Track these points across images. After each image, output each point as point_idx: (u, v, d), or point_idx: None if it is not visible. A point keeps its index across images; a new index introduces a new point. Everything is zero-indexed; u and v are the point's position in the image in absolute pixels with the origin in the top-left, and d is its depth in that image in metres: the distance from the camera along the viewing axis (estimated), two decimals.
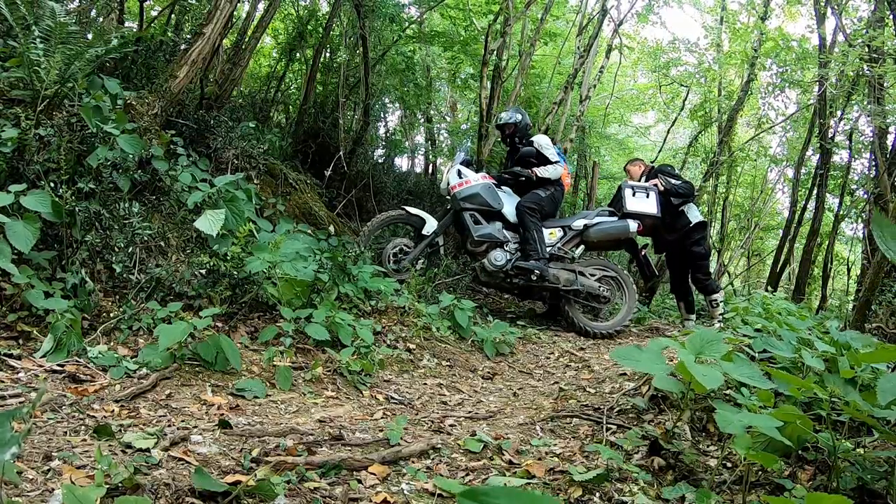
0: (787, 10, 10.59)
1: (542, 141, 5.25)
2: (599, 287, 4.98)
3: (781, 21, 10.95)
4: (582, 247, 5.19)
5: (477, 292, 6.00)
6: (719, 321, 5.28)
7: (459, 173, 5.18)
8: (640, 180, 5.53)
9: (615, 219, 5.16)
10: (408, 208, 5.15)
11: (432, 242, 5.00)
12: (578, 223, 5.14)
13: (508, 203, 5.14)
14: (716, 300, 5.42)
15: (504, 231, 5.04)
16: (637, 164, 5.81)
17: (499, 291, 5.86)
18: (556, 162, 5.17)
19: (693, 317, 5.61)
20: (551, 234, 5.09)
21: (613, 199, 5.46)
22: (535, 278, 4.86)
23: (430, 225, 5.00)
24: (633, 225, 5.09)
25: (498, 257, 4.90)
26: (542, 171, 5.15)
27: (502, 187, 5.24)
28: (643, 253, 5.27)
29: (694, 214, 5.39)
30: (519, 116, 5.36)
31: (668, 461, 1.83)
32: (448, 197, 5.17)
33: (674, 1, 10.52)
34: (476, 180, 5.13)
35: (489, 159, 7.17)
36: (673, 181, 5.38)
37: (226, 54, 6.12)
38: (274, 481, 1.56)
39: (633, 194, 5.21)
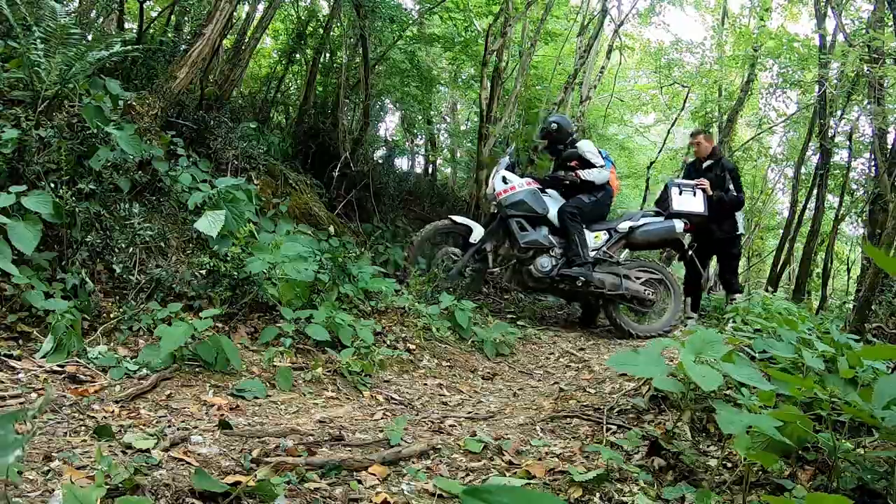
0: (788, 9, 10.60)
1: (585, 146, 5.25)
2: (645, 290, 4.96)
3: (783, 20, 10.96)
4: (626, 250, 5.18)
5: (477, 293, 6.00)
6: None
7: (504, 179, 5.19)
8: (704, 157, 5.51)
9: (661, 219, 5.12)
10: (454, 218, 5.26)
11: (479, 250, 5.07)
12: (624, 225, 5.12)
13: (554, 207, 5.14)
14: (736, 300, 5.38)
15: (550, 236, 5.06)
16: (708, 139, 5.68)
17: (547, 294, 5.94)
18: (601, 166, 5.15)
19: (696, 315, 5.55)
20: (596, 238, 5.09)
21: (660, 198, 5.43)
22: (580, 284, 4.88)
23: (477, 233, 5.09)
24: (679, 225, 5.05)
25: (544, 263, 4.93)
26: (586, 174, 5.13)
27: (548, 191, 5.24)
28: (690, 252, 5.24)
29: (741, 223, 5.52)
30: (554, 125, 5.38)
31: (668, 461, 1.83)
32: (494, 203, 5.22)
33: (676, 2, 10.54)
34: (521, 186, 5.15)
35: (490, 160, 7.16)
36: (730, 189, 5.30)
37: (226, 55, 6.12)
38: (274, 482, 1.56)
39: (680, 193, 5.15)
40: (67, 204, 2.85)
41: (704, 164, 5.41)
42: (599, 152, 5.29)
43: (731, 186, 5.30)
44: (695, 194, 5.15)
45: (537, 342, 4.42)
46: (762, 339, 2.39)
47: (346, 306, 3.63)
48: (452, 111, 12.34)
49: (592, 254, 5.00)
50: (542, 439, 2.16)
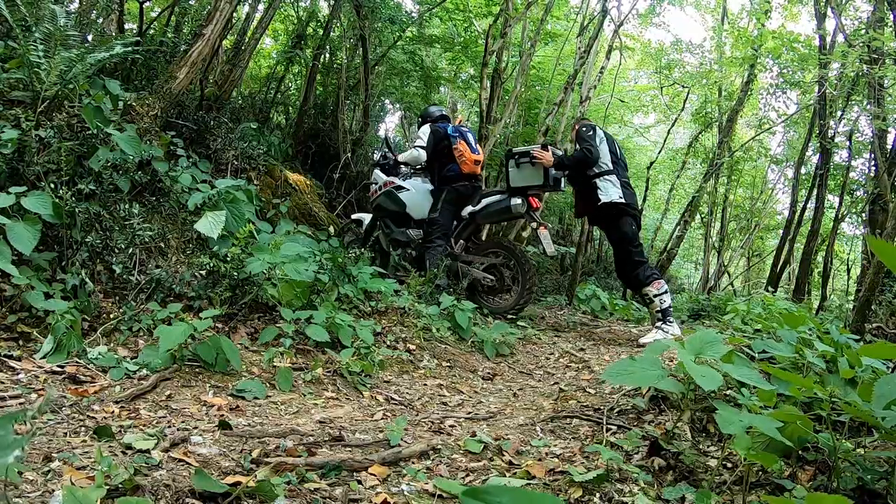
0: (788, 9, 10.60)
1: (420, 131, 5.28)
2: (484, 277, 4.98)
3: (783, 20, 10.97)
4: (461, 241, 5.19)
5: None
6: (661, 323, 4.29)
7: (374, 181, 5.43)
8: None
9: (500, 197, 4.99)
10: (353, 216, 5.69)
11: (368, 236, 5.42)
12: (466, 211, 5.12)
13: (413, 197, 5.22)
14: (649, 294, 4.33)
15: (409, 231, 5.20)
16: (576, 123, 5.01)
17: None
18: (416, 147, 5.15)
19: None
20: None
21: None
22: None
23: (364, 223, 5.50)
24: (516, 201, 4.83)
25: (406, 258, 5.09)
26: (401, 156, 5.29)
27: (407, 182, 5.29)
28: (539, 229, 4.83)
29: (608, 193, 4.43)
30: (419, 119, 5.50)
31: (668, 462, 1.83)
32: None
33: (676, 2, 10.54)
34: (381, 188, 5.33)
35: (489, 160, 7.16)
36: (576, 147, 4.57)
37: (225, 55, 6.12)
38: (274, 482, 1.56)
39: (518, 166, 4.83)
40: (67, 204, 2.86)
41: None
42: (446, 130, 5.13)
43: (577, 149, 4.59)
44: (533, 164, 4.76)
45: (537, 342, 4.42)
46: (762, 339, 2.39)
47: (345, 307, 3.63)
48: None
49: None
50: (542, 440, 2.15)
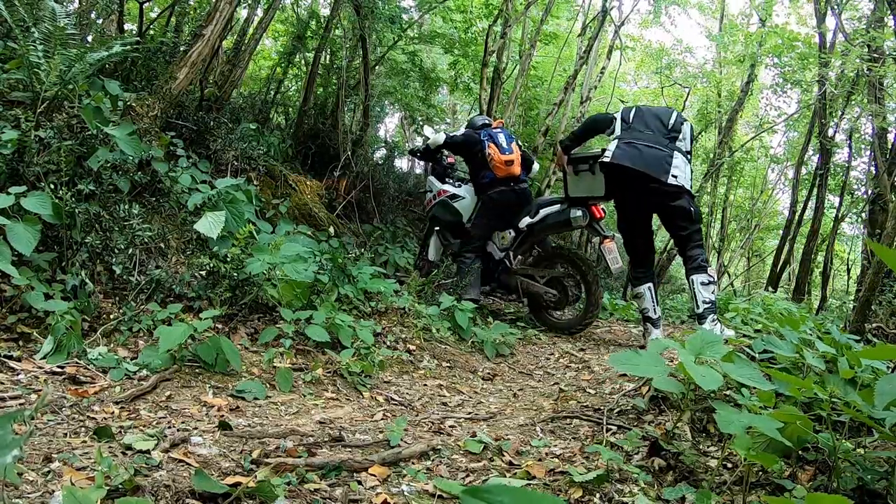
0: (793, 10, 10.61)
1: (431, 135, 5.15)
2: (546, 292, 4.78)
3: (787, 17, 10.97)
4: (521, 254, 5.03)
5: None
6: (652, 331, 4.07)
7: (430, 188, 5.25)
8: None
9: (560, 208, 4.64)
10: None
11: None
12: (524, 223, 4.81)
13: (468, 206, 5.02)
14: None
15: None
16: None
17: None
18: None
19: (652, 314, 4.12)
20: (503, 238, 4.92)
21: None
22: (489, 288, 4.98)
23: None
24: (576, 213, 4.47)
25: None
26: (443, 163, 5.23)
27: (461, 190, 5.07)
28: (603, 243, 4.45)
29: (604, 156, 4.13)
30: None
31: (668, 462, 1.83)
32: None
33: (681, 3, 10.54)
34: (435, 198, 5.16)
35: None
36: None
37: (225, 56, 6.13)
38: (274, 483, 1.56)
39: (576, 172, 4.47)
40: (67, 205, 2.85)
41: None
42: (479, 136, 4.85)
43: None
44: (593, 172, 4.34)
45: (537, 342, 4.42)
46: (763, 339, 2.39)
47: (345, 307, 3.63)
48: (453, 112, 12.35)
49: (500, 254, 4.90)
50: (542, 440, 2.15)
